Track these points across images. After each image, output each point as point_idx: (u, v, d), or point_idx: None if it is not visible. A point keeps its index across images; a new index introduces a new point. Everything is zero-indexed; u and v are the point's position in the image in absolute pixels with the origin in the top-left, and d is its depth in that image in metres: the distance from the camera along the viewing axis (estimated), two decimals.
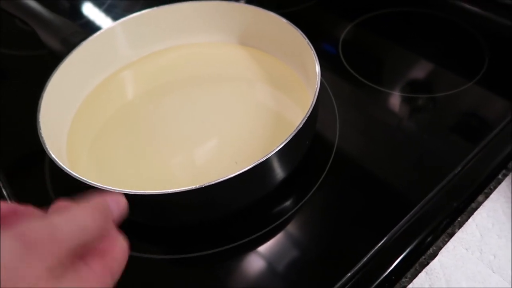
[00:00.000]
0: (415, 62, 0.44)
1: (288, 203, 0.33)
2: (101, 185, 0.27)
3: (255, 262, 0.30)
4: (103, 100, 0.42)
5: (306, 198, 0.33)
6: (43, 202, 0.20)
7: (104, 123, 0.40)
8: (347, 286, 0.27)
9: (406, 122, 0.38)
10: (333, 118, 0.39)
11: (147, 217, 0.32)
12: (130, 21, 0.43)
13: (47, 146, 0.30)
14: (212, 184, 0.27)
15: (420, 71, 0.43)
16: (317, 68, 0.34)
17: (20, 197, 0.36)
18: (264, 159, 0.28)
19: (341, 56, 0.45)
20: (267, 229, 0.31)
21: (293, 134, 0.29)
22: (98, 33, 0.41)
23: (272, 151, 0.28)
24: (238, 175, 0.27)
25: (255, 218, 0.32)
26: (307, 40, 0.36)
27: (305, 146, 0.34)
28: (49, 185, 0.36)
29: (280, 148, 0.29)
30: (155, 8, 0.44)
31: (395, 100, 0.40)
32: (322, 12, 0.52)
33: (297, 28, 0.38)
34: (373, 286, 0.27)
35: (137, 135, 0.38)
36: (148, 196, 0.27)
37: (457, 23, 0.47)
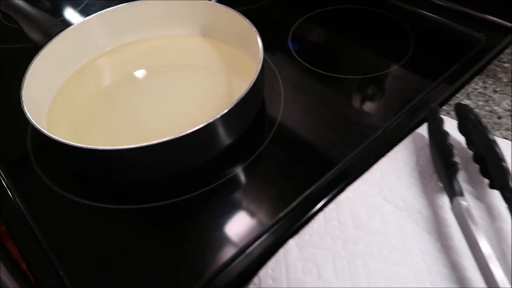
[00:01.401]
0: (352, 49, 0.51)
1: (235, 164, 0.39)
2: (68, 141, 0.33)
3: (201, 214, 0.36)
4: (80, 84, 0.48)
5: (250, 159, 0.39)
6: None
7: (81, 104, 0.45)
8: (281, 222, 0.33)
9: (342, 98, 0.45)
10: (279, 96, 0.45)
11: (101, 171, 0.38)
12: (104, 15, 0.49)
13: (28, 115, 0.36)
14: (158, 143, 0.33)
15: (357, 57, 0.50)
16: (260, 46, 0.40)
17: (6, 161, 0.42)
18: (207, 123, 0.34)
19: (290, 46, 0.52)
20: (214, 185, 0.37)
21: (236, 102, 0.36)
22: (75, 24, 0.47)
23: (215, 116, 0.34)
24: (184, 135, 0.33)
25: (204, 176, 0.38)
26: (254, 28, 0.43)
27: (250, 116, 0.41)
28: (30, 150, 0.42)
29: (223, 114, 0.35)
30: (127, 4, 0.50)
31: (335, 81, 0.47)
32: (276, 9, 0.59)
33: (246, 19, 0.44)
34: (302, 220, 0.33)
35: (110, 113, 0.44)
36: (101, 151, 0.33)
37: (388, 16, 0.54)
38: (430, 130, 0.35)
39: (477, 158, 0.32)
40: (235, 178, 0.38)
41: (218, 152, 0.39)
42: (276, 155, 0.40)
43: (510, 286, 0.24)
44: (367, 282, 0.27)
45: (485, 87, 0.43)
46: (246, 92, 0.36)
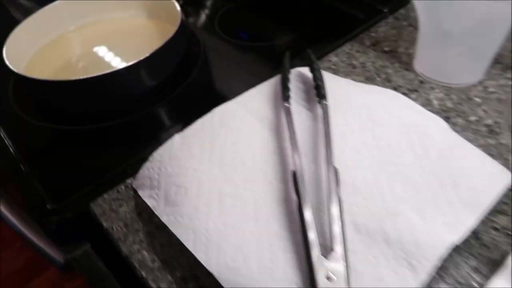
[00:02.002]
0: (263, 25, 0.66)
1: (160, 99, 0.53)
2: (35, 76, 0.48)
3: (131, 131, 0.50)
4: (51, 51, 0.63)
5: (174, 94, 0.54)
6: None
7: (51, 66, 0.60)
8: None
9: (246, 56, 0.60)
10: (200, 55, 0.60)
11: (61, 101, 0.53)
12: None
13: (8, 62, 0.51)
14: (93, 77, 0.47)
15: (264, 29, 0.65)
16: (178, 10, 0.56)
17: None
18: (133, 63, 0.49)
19: (216, 24, 0.67)
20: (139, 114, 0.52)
21: (154, 51, 0.50)
22: (46, 6, 0.62)
23: (144, 56, 0.49)
24: (113, 71, 0.48)
25: (134, 107, 0.52)
26: (178, 7, 0.58)
27: (174, 60, 0.55)
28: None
29: (151, 54, 0.49)
30: None
31: (242, 47, 0.61)
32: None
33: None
34: None
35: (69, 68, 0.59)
36: (58, 82, 0.48)
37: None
38: (282, 68, 0.49)
39: (315, 86, 0.46)
40: (158, 109, 0.53)
41: (144, 89, 0.53)
42: (192, 94, 0.54)
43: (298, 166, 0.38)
44: (220, 155, 0.40)
45: (351, 49, 0.57)
46: (164, 43, 0.51)
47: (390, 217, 0.34)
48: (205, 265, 0.33)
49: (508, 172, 0.36)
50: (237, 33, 0.64)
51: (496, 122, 0.44)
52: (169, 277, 0.36)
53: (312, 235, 0.32)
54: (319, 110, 0.44)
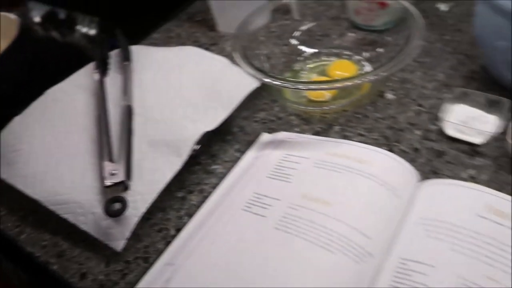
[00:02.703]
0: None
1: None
2: None
3: None
4: None
5: None
6: None
7: None
8: None
9: None
10: None
11: None
12: None
13: None
14: None
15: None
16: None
17: None
18: None
19: None
20: None
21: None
22: None
23: None
24: None
25: None
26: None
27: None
28: None
29: None
30: None
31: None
32: None
33: None
34: None
35: None
36: None
37: None
38: (99, 47, 0.60)
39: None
40: None
41: None
42: None
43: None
44: (49, 120, 0.50)
45: (170, 25, 0.69)
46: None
47: (170, 128, 0.46)
48: (31, 195, 0.42)
49: (254, 80, 0.49)
50: None
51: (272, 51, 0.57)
52: (13, 217, 0.45)
53: (105, 152, 0.42)
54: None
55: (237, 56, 0.46)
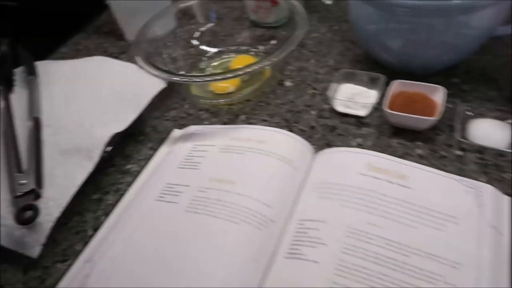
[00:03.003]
0: None
1: None
2: None
3: None
4: None
5: None
6: None
7: None
8: None
9: None
10: None
11: None
12: None
13: None
14: None
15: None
16: None
17: None
18: None
19: None
20: None
21: None
22: None
23: None
24: None
25: None
26: None
27: None
28: None
29: None
30: None
31: None
32: None
33: None
34: None
35: None
36: None
37: None
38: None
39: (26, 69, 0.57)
40: None
41: None
42: None
43: None
44: None
45: (78, 39, 0.70)
46: None
47: (81, 135, 0.46)
48: None
49: (160, 82, 0.51)
50: None
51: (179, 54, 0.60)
52: None
53: (13, 165, 0.42)
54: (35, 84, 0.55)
55: (139, 60, 0.48)
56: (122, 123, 0.47)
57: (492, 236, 0.34)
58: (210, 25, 0.61)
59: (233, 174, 0.40)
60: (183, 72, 0.55)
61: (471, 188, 0.37)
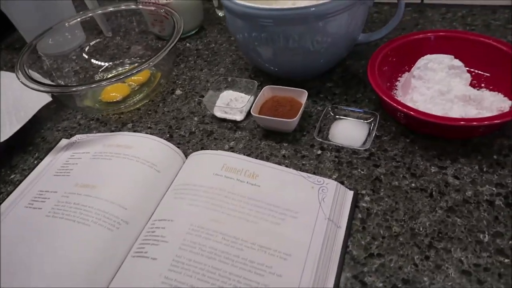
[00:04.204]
0: None
1: None
2: None
3: None
4: None
5: None
6: None
7: None
8: None
9: None
10: None
11: None
12: None
13: None
14: None
15: None
16: None
17: None
18: None
19: None
20: None
21: None
22: None
23: None
24: None
25: None
26: None
27: None
28: None
29: None
30: None
31: None
32: None
33: None
34: None
35: None
36: None
37: None
38: None
39: None
40: None
41: None
42: None
43: None
44: None
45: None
46: None
47: None
48: None
49: (47, 96, 0.53)
50: None
51: (82, 67, 0.62)
52: None
53: None
54: None
55: (20, 76, 0.49)
56: (5, 134, 0.49)
57: (328, 229, 0.37)
58: (116, 39, 0.63)
59: (95, 179, 0.42)
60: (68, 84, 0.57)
61: (316, 184, 0.40)
